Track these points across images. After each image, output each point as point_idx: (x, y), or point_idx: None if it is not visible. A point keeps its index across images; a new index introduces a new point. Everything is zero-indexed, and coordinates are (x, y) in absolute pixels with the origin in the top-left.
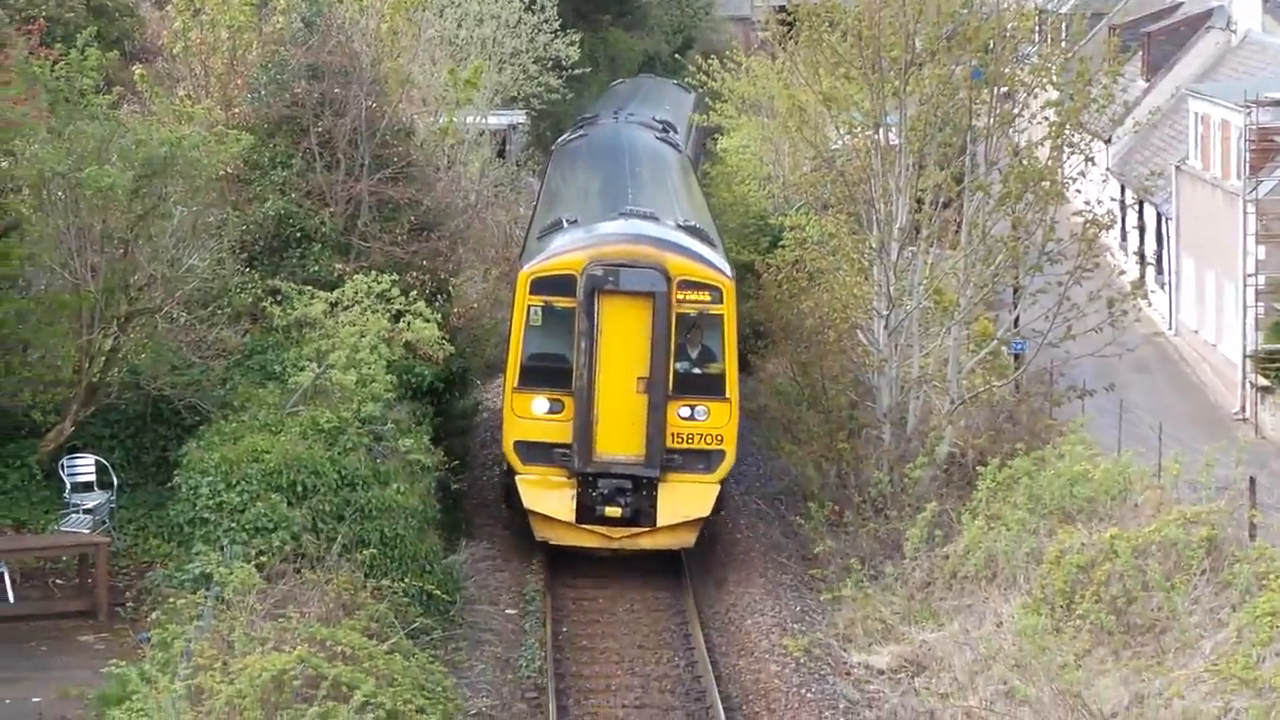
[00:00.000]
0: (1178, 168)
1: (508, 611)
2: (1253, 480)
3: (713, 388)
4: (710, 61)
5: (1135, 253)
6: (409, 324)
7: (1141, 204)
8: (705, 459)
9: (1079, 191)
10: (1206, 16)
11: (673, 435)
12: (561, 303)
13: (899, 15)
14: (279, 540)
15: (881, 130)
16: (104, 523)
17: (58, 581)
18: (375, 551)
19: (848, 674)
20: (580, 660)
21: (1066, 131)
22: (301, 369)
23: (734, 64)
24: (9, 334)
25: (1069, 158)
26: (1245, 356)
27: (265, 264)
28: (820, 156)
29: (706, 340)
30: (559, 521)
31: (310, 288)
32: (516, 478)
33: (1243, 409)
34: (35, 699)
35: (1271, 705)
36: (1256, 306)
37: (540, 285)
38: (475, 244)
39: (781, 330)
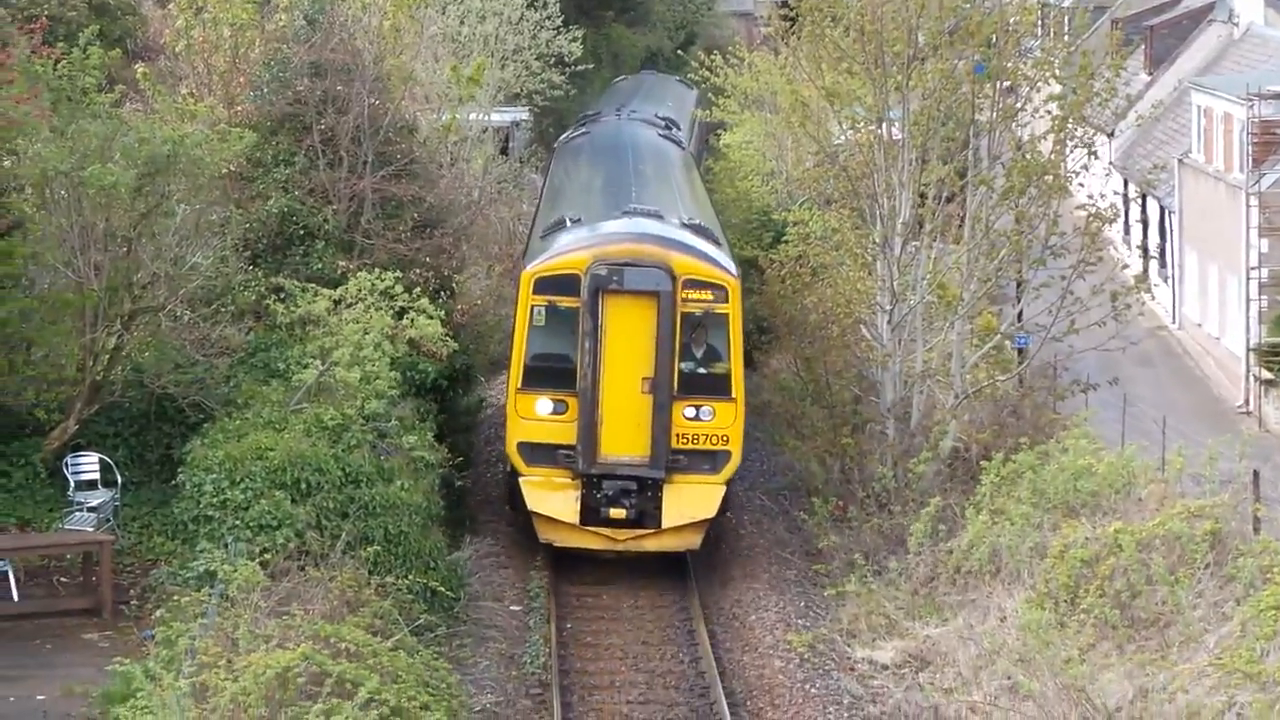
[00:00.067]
0: (1180, 161)
1: (512, 608)
2: (1256, 474)
3: (718, 388)
4: (713, 57)
5: (1138, 246)
6: (412, 321)
7: (1144, 197)
8: (711, 460)
9: (1082, 185)
10: (1209, 10)
11: (678, 436)
12: (565, 302)
13: (901, 10)
14: (283, 537)
15: (884, 125)
16: (108, 521)
17: (62, 580)
18: (379, 548)
19: (852, 669)
20: (585, 656)
21: (1069, 125)
22: (305, 366)
23: (737, 59)
24: (13, 333)
25: (1072, 152)
26: (1248, 350)
27: (268, 262)
28: (823, 152)
29: (712, 340)
30: (563, 523)
31: (314, 285)
32: (520, 479)
33: (1246, 402)
34: (40, 697)
35: (1276, 699)
36: (1259, 300)
37: (544, 285)
38: (478, 241)
39: (785, 325)
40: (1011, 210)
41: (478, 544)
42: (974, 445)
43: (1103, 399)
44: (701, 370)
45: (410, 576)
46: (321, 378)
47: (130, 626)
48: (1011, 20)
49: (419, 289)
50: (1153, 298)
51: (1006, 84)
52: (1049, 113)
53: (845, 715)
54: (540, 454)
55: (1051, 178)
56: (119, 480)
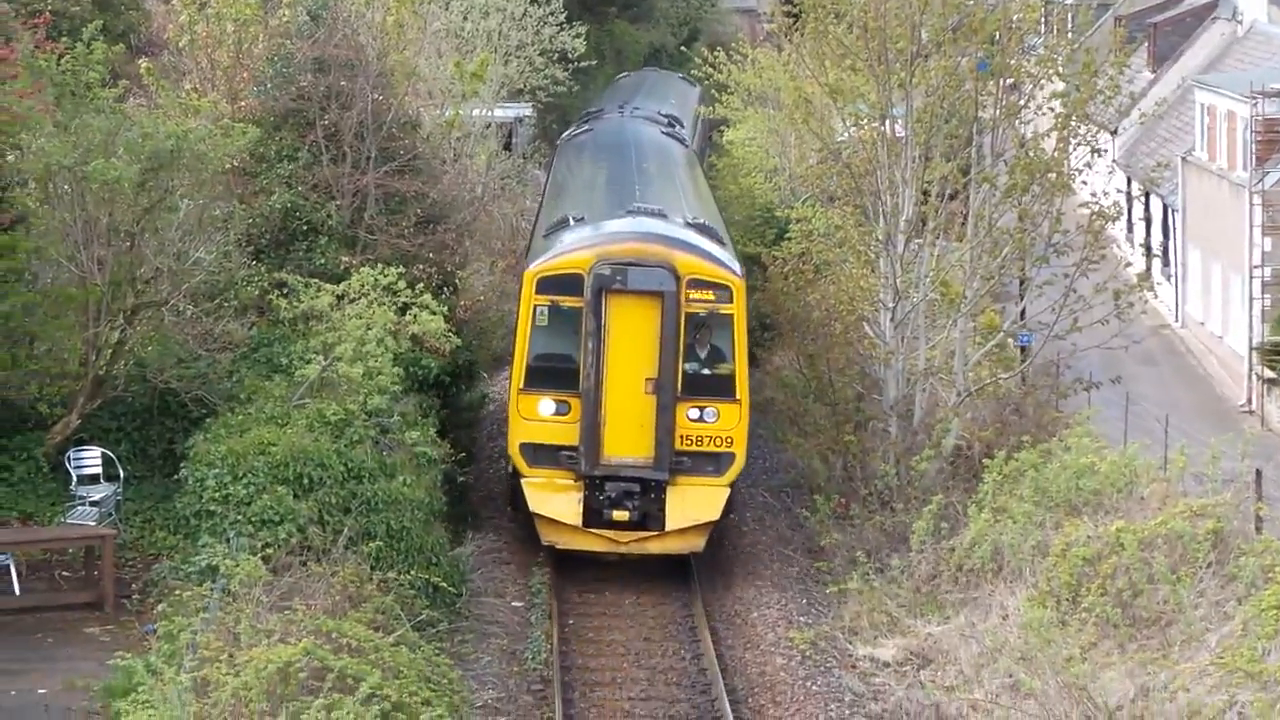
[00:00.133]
0: (1184, 159)
1: (514, 604)
2: (1259, 473)
3: (722, 389)
4: (716, 54)
5: (1141, 244)
6: (415, 316)
7: (1148, 195)
8: (715, 461)
9: (1085, 183)
10: (1212, 7)
11: (681, 437)
12: (568, 302)
13: (905, 7)
14: (285, 532)
15: (888, 122)
16: (110, 515)
17: (64, 574)
18: (381, 544)
19: (853, 667)
20: (586, 653)
21: (1073, 123)
22: (308, 362)
23: (740, 56)
24: (16, 327)
25: (1075, 149)
26: (1251, 349)
27: (272, 257)
28: (826, 149)
29: (716, 340)
30: (565, 525)
31: (317, 280)
32: (522, 480)
33: (1249, 401)
34: (41, 691)
35: (1277, 698)
36: (1262, 298)
37: (546, 284)
38: (482, 236)
39: (788, 323)
40: (1014, 208)
41: (480, 540)
42: (976, 443)
43: (1105, 397)
44: (706, 371)
45: (412, 572)
46: (324, 373)
47: (132, 621)
48: (1015, 17)
49: (422, 284)
50: (1155, 296)
51: (1010, 81)
52: (1052, 110)
53: (847, 713)
54: (543, 455)
55: (1054, 175)
56: (121, 475)
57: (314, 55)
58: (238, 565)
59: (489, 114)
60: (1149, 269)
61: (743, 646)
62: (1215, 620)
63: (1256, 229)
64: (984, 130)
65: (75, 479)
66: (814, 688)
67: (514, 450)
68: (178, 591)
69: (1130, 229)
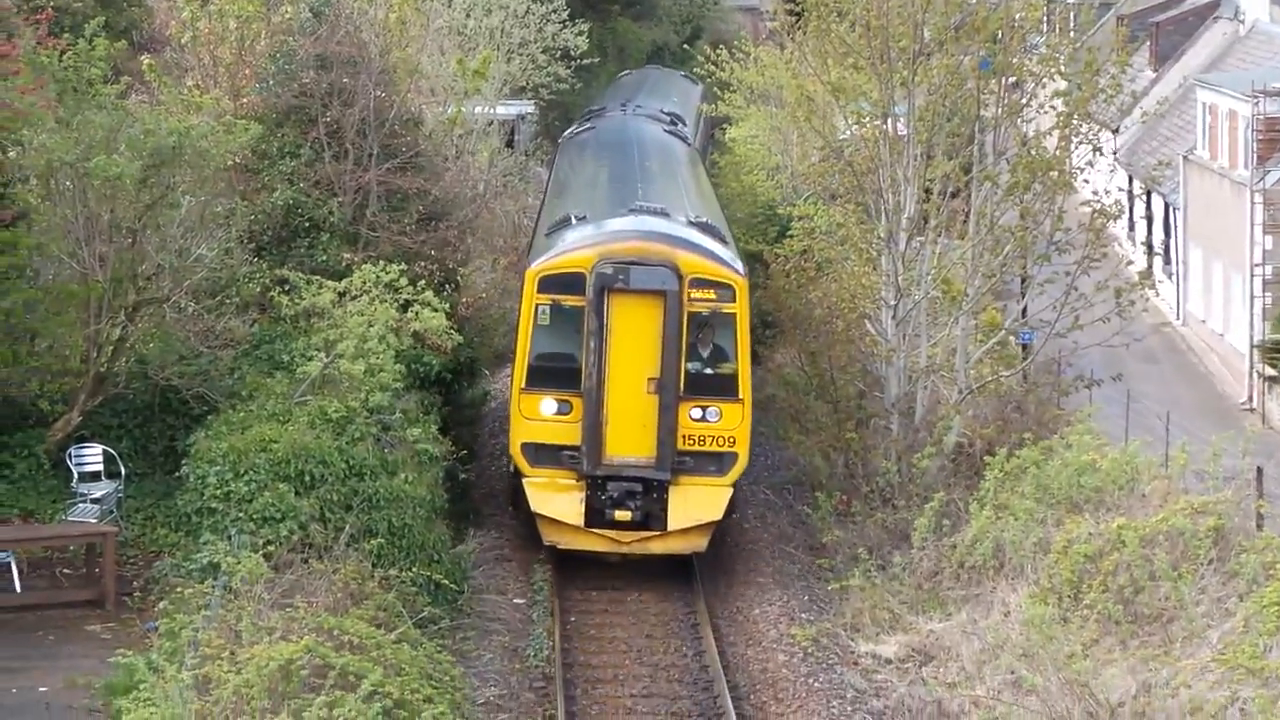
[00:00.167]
0: (1185, 158)
1: (515, 601)
2: (1260, 470)
3: (725, 388)
4: (719, 52)
5: (1143, 243)
6: (417, 313)
7: (1149, 194)
8: (717, 461)
9: (1087, 181)
10: (1214, 6)
11: (684, 437)
12: (570, 301)
13: (907, 5)
14: (286, 530)
15: (890, 120)
16: (111, 512)
17: (65, 571)
18: (383, 541)
19: (855, 663)
20: (588, 650)
21: (1074, 121)
22: (309, 358)
23: (742, 54)
24: (17, 323)
25: (1077, 148)
26: (1252, 346)
27: (273, 254)
28: (828, 146)
29: (719, 339)
30: (567, 525)
31: (318, 277)
32: (524, 480)
33: (1249, 399)
34: (42, 688)
35: (1278, 695)
36: (1263, 296)
37: (548, 283)
38: (483, 234)
39: (790, 320)
40: (1016, 206)
41: (481, 536)
42: (978, 440)
43: (1106, 395)
44: (708, 371)
45: (414, 569)
46: (326, 370)
47: (133, 618)
48: (1017, 16)
49: (424, 282)
50: (1157, 294)
51: (1012, 80)
52: (1054, 109)
53: (849, 709)
54: (544, 455)
55: (1056, 174)
56: (122, 472)
57: (316, 52)
58: (239, 563)
59: (491, 111)
60: (1150, 267)
61: (745, 643)
62: (1216, 617)
63: (1257, 227)
64: (986, 128)
65: (76, 476)
66: (816, 684)
67: (515, 450)
68: (179, 589)
69: (1132, 227)
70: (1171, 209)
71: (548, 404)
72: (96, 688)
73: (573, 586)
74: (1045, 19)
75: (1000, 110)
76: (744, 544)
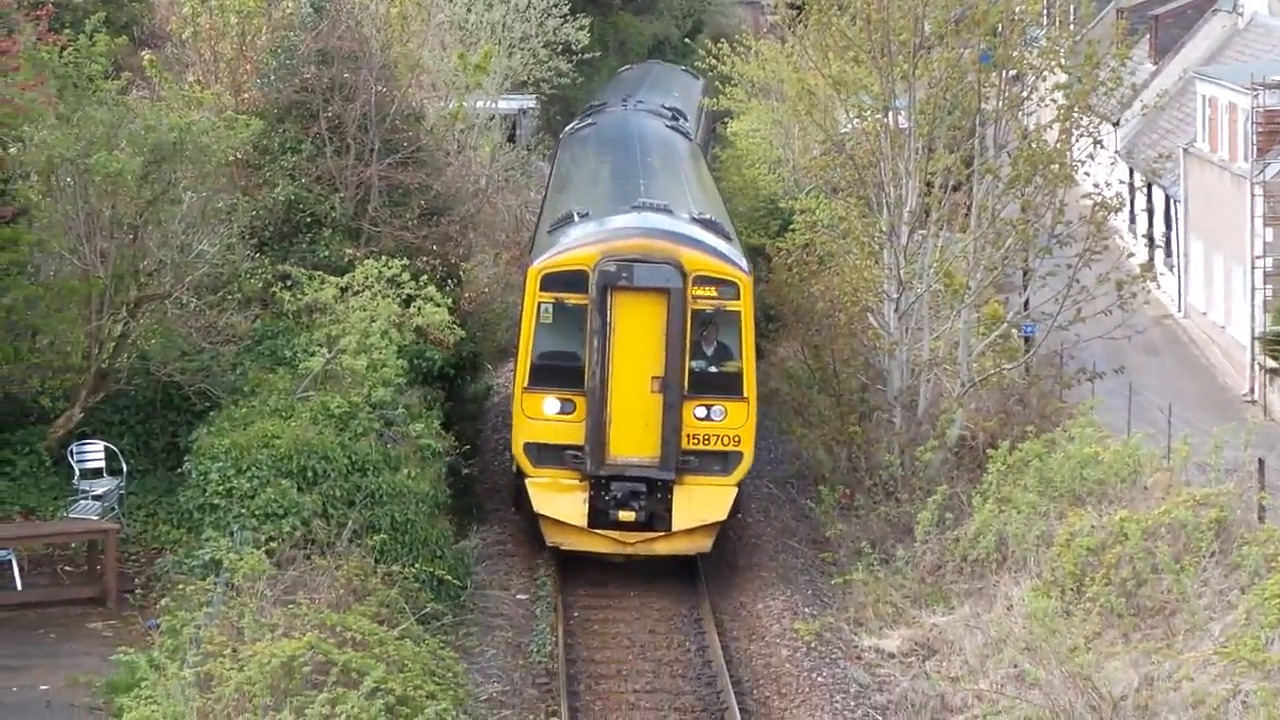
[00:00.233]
0: (1185, 150)
1: (518, 596)
2: (1261, 462)
3: (730, 387)
4: (720, 45)
5: (1144, 235)
6: (419, 309)
7: (1150, 186)
8: (722, 460)
9: (1088, 174)
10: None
11: (688, 436)
12: (573, 299)
13: None
14: (289, 526)
15: (891, 114)
16: (113, 509)
17: (66, 568)
18: (385, 537)
19: (858, 658)
20: (591, 645)
21: (1075, 114)
22: (312, 354)
23: (744, 48)
24: (18, 320)
25: (1077, 140)
26: (1253, 339)
27: (275, 249)
28: (830, 140)
29: (723, 337)
30: (571, 526)
31: (320, 273)
32: (526, 480)
33: (1251, 391)
34: (43, 686)
35: None
36: (1264, 288)
37: (551, 281)
38: (485, 228)
39: (792, 314)
40: (1017, 199)
41: (484, 532)
42: (980, 433)
43: (1108, 387)
44: (713, 369)
45: (417, 565)
46: (328, 365)
47: (135, 615)
48: (1017, 9)
49: (426, 276)
50: (1158, 286)
51: (1012, 73)
52: (1054, 102)
53: (852, 704)
54: (547, 455)
55: (1057, 166)
56: (124, 468)
57: (317, 47)
58: (241, 559)
59: (493, 106)
60: (1151, 259)
61: (748, 638)
62: (1219, 610)
63: (1258, 220)
64: (987, 122)
65: (78, 473)
66: (819, 679)
67: (518, 450)
68: (181, 586)
69: (1133, 220)
70: (1172, 202)
71: (550, 403)
72: (98, 686)
73: (576, 582)
74: (1045, 12)
75: (1001, 103)
76: (747, 538)
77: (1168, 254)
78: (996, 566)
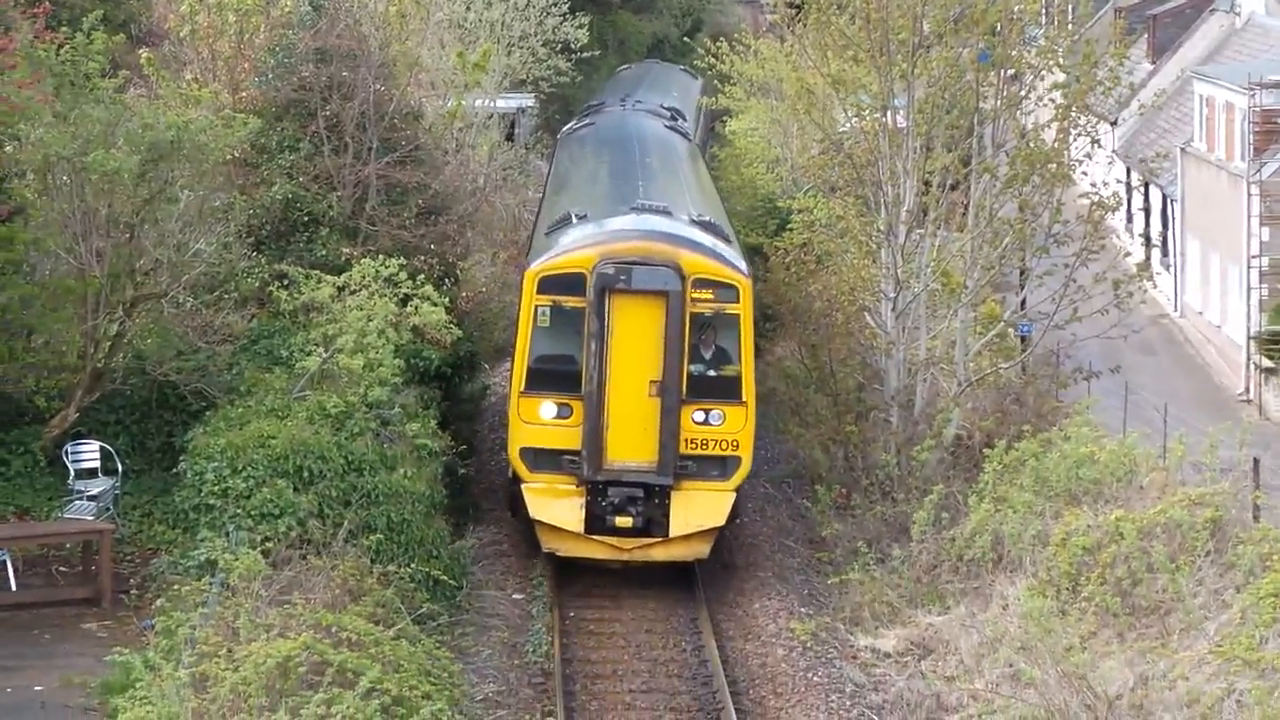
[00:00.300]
0: (1183, 150)
1: (514, 596)
2: (1256, 461)
3: (729, 391)
4: (719, 44)
5: (1141, 235)
6: (416, 308)
7: (1147, 186)
8: (720, 466)
9: (1085, 174)
10: None
11: (686, 441)
12: (571, 302)
13: None
14: (285, 526)
15: (889, 113)
16: (108, 509)
17: (61, 569)
18: (382, 537)
19: (854, 657)
20: (587, 645)
21: (1073, 114)
22: (308, 354)
23: (743, 47)
24: (13, 319)
25: (1075, 140)
26: (1249, 338)
27: (272, 248)
28: (828, 139)
29: (722, 341)
30: (567, 532)
31: (317, 272)
32: (523, 485)
33: (1247, 390)
34: (38, 687)
35: (1275, 686)
36: (1260, 288)
37: (548, 284)
38: (483, 227)
39: (790, 313)
40: (1015, 198)
41: (480, 532)
42: (977, 433)
43: (1105, 387)
44: (711, 373)
45: (412, 565)
46: (324, 365)
47: (130, 616)
48: (1015, 8)
49: (423, 276)
50: (1155, 286)
51: (1010, 72)
52: (1052, 101)
53: (848, 703)
54: (544, 460)
55: (1055, 166)
56: (120, 468)
57: (316, 45)
58: (237, 559)
59: (491, 104)
60: (1148, 259)
61: (744, 638)
62: (1214, 609)
63: (1254, 219)
64: (985, 121)
65: (73, 473)
66: (815, 678)
67: (514, 455)
68: (176, 586)
69: (1130, 219)
70: (1169, 201)
71: (547, 408)
72: (93, 686)
73: (571, 582)
74: (1043, 11)
75: (999, 103)
76: (743, 538)
77: (1164, 253)
78: (992, 566)
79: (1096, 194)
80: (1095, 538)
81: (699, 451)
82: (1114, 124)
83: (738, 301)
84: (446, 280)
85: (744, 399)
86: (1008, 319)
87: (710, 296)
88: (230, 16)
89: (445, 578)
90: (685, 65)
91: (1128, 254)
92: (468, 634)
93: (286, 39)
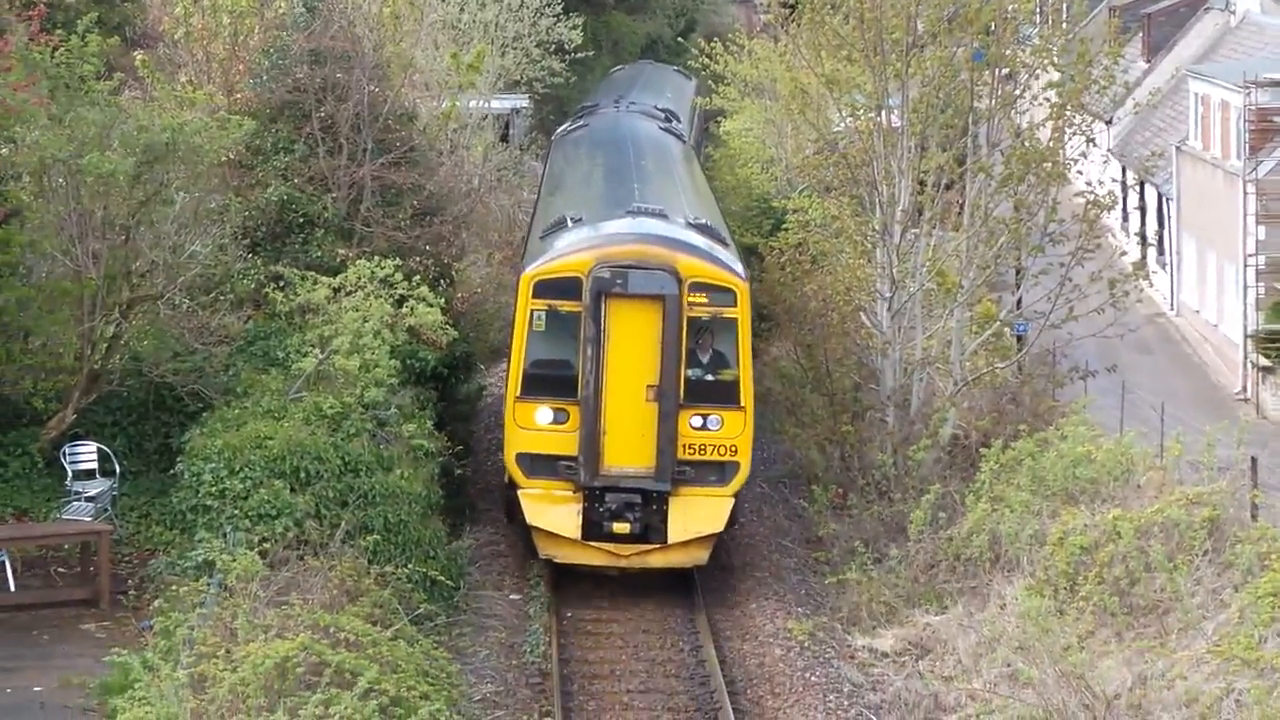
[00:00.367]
0: (1178, 148)
1: (512, 597)
2: (1254, 460)
3: (726, 395)
4: (713, 44)
5: (1136, 233)
6: (412, 309)
7: (1142, 185)
8: (719, 471)
9: (1080, 173)
10: None
11: (684, 446)
12: (566, 307)
13: None
14: (282, 527)
15: (884, 112)
16: (106, 510)
17: (59, 570)
18: (379, 537)
19: (852, 657)
20: (585, 645)
21: (1068, 113)
22: (304, 355)
23: (736, 47)
24: (10, 321)
25: (1070, 139)
26: (1246, 337)
27: (268, 250)
28: (823, 139)
29: (720, 345)
30: (564, 538)
31: (313, 273)
32: (519, 492)
33: (1244, 389)
34: (37, 688)
35: (1274, 685)
36: (1257, 286)
37: (544, 288)
38: (478, 228)
39: (785, 313)
40: (1010, 197)
41: (477, 532)
42: (973, 432)
43: (1101, 386)
44: (709, 377)
45: (410, 565)
46: (321, 366)
47: (128, 617)
48: (1010, 7)
49: (419, 277)
50: (1151, 285)
51: (1005, 71)
52: (1047, 100)
53: (845, 703)
54: (540, 465)
55: (1050, 165)
56: (117, 469)
57: (310, 47)
58: (234, 560)
59: (486, 105)
60: (1144, 258)
61: (741, 638)
62: (1212, 608)
63: (1250, 218)
64: (980, 120)
65: (71, 474)
66: (812, 678)
67: (510, 460)
68: (174, 587)
69: (1125, 218)
70: (1165, 199)
71: (543, 413)
72: (91, 687)
73: (569, 582)
74: (1038, 10)
75: (994, 102)
76: (740, 538)
77: (1160, 252)
78: (990, 566)
79: (1092, 193)
80: (1093, 537)
81: (697, 457)
82: (1109, 123)
83: (735, 305)
84: (442, 281)
85: (742, 403)
86: (1004, 318)
87: (707, 300)
88: (224, 18)
89: (443, 578)
90: (679, 66)
91: (1124, 253)
92: (465, 634)
93: (281, 40)
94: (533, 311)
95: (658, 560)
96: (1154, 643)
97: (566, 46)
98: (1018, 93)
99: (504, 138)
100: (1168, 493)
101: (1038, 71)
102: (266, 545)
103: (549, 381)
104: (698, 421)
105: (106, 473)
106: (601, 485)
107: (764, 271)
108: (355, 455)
